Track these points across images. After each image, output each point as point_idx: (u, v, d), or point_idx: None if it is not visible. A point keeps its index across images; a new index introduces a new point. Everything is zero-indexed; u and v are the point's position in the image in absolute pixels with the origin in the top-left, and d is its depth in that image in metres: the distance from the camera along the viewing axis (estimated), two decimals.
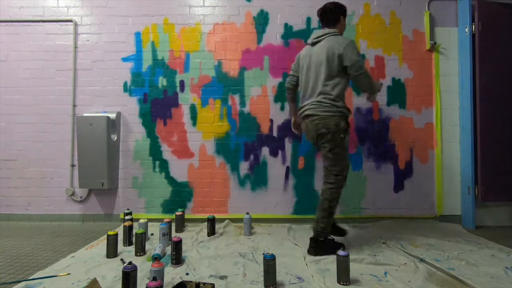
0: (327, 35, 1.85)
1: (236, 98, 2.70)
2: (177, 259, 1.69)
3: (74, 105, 2.72)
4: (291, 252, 1.89)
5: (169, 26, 2.74)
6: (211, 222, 2.25)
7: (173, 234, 2.25)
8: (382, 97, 2.67)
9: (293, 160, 2.67)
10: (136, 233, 1.86)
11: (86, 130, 2.52)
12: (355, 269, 1.60)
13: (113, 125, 2.62)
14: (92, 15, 2.76)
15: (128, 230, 2.02)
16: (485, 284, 1.45)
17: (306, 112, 1.88)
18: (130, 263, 1.36)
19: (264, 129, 2.69)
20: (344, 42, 1.78)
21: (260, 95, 2.70)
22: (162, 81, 2.72)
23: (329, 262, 1.72)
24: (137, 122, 2.71)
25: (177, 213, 2.37)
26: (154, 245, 2.00)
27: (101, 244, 2.05)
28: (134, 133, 2.71)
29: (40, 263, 1.76)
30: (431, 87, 2.68)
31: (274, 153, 2.68)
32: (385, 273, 1.59)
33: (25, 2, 2.76)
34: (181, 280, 1.43)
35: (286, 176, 2.67)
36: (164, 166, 2.69)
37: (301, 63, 1.98)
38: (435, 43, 2.65)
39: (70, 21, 2.74)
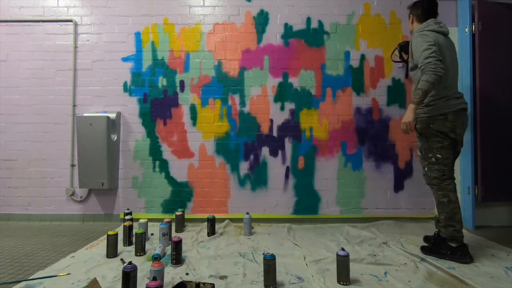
0: None
1: (236, 98, 2.70)
2: (177, 259, 1.69)
3: (74, 105, 2.72)
4: (291, 252, 1.89)
5: (169, 26, 2.74)
6: (211, 222, 2.25)
7: (173, 234, 2.25)
8: (382, 97, 2.67)
9: (293, 160, 2.67)
10: (136, 233, 1.86)
11: (86, 130, 2.52)
12: (355, 269, 1.60)
13: (113, 125, 2.62)
14: (92, 15, 2.76)
15: (128, 230, 2.02)
16: (485, 284, 1.45)
17: (464, 106, 1.80)
18: (130, 263, 1.36)
19: (264, 129, 2.69)
20: None
21: (260, 95, 2.70)
22: (162, 81, 2.72)
23: (329, 262, 1.72)
24: (137, 122, 2.71)
25: (177, 213, 2.37)
26: (154, 245, 2.00)
27: (101, 244, 2.05)
28: (134, 133, 2.71)
29: (40, 263, 1.76)
30: None
31: (274, 153, 2.68)
32: (385, 273, 1.59)
33: (25, 2, 2.76)
34: (181, 280, 1.43)
35: (286, 176, 2.67)
36: (164, 166, 2.69)
37: (443, 52, 1.76)
38: None
39: (70, 21, 2.74)
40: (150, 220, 2.44)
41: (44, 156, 2.70)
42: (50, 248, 2.02)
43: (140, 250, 1.85)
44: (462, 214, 2.46)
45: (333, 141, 2.67)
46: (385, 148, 2.67)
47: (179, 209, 2.42)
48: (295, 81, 2.70)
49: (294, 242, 2.08)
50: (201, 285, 1.33)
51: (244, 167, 2.68)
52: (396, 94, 2.68)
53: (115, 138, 2.65)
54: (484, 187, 2.47)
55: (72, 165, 2.69)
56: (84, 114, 2.65)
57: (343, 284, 1.45)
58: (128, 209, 2.40)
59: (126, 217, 2.17)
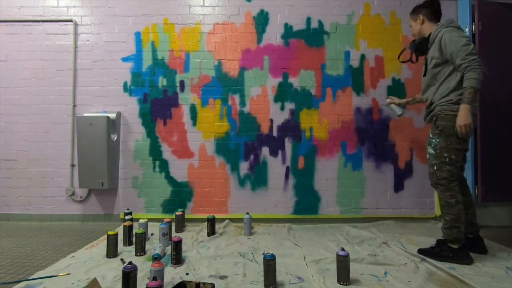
0: None
1: (236, 98, 2.70)
2: (177, 259, 1.69)
3: (74, 105, 2.72)
4: (291, 252, 1.89)
5: (169, 26, 2.74)
6: (211, 222, 2.25)
7: (173, 234, 2.25)
8: (382, 97, 2.67)
9: (293, 160, 2.67)
10: (136, 233, 1.86)
11: (86, 130, 2.52)
12: (355, 269, 1.60)
13: (113, 125, 2.62)
14: (92, 15, 2.76)
15: (128, 230, 2.02)
16: (485, 284, 1.45)
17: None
18: (130, 263, 1.36)
19: (264, 129, 2.69)
20: None
21: (260, 95, 2.70)
22: (162, 81, 2.72)
23: (329, 262, 1.72)
24: (137, 122, 2.71)
25: (177, 213, 2.37)
26: (154, 245, 2.00)
27: (101, 244, 2.05)
28: (134, 133, 2.71)
29: (40, 263, 1.76)
30: None
31: (274, 153, 2.68)
32: (385, 273, 1.59)
33: (25, 2, 2.76)
34: (181, 280, 1.43)
35: (286, 176, 2.67)
36: (164, 166, 2.69)
37: None
38: None
39: (70, 21, 2.74)
40: (150, 220, 2.44)
41: (44, 156, 2.70)
42: (50, 248, 2.02)
43: (140, 250, 1.85)
44: None
45: (333, 141, 2.67)
46: (385, 148, 2.67)
47: (179, 209, 2.42)
48: (295, 81, 2.70)
49: (294, 242, 2.08)
50: (201, 285, 1.33)
51: (244, 167, 2.68)
52: (396, 94, 2.67)
53: (115, 138, 2.64)
54: (484, 187, 2.47)
55: (72, 165, 2.69)
56: (84, 114, 2.65)
57: (343, 284, 1.45)
58: (128, 209, 2.40)
59: (126, 217, 2.17)
